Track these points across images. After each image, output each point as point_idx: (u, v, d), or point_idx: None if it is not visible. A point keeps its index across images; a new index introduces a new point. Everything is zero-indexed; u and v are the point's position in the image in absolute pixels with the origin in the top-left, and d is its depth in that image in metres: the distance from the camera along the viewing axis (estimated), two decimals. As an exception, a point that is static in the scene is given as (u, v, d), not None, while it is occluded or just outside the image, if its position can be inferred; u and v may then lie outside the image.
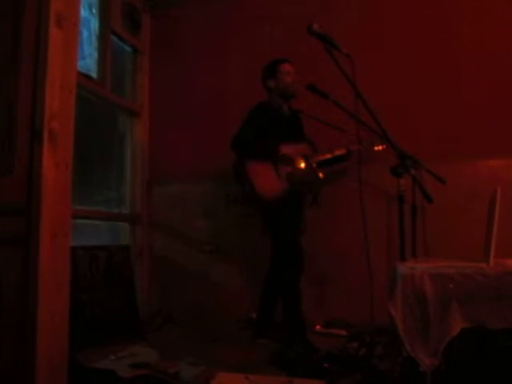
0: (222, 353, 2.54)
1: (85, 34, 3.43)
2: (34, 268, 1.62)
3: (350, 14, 3.46)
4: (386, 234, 3.15)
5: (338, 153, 2.98)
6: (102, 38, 3.53)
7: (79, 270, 2.80)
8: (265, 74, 2.97)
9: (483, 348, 1.58)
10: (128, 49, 3.95)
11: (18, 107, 1.69)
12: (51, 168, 1.68)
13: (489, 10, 3.20)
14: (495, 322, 1.55)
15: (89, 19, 3.48)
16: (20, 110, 1.69)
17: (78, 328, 2.01)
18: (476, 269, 1.62)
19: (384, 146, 2.93)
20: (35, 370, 1.59)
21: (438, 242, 2.94)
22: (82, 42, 3.37)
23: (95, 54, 3.49)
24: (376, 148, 3.01)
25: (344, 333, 2.92)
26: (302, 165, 2.88)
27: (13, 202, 1.66)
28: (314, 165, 2.91)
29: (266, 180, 2.78)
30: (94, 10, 3.52)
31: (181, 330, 3.19)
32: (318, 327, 3.08)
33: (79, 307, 2.64)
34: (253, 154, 2.81)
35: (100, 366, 2.24)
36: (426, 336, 1.60)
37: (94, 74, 3.42)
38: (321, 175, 2.89)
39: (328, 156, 2.97)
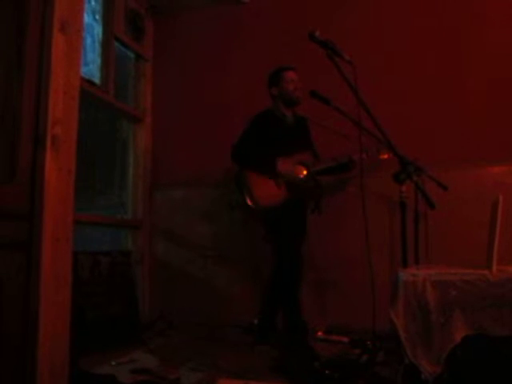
0: (223, 359, 2.53)
1: (88, 40, 3.45)
2: (36, 273, 1.62)
3: (350, 19, 3.47)
4: (389, 241, 3.14)
5: (339, 161, 2.96)
6: (105, 44, 3.55)
7: (81, 275, 2.80)
8: (269, 82, 2.99)
9: (486, 355, 1.57)
10: (131, 55, 3.97)
11: (21, 113, 1.70)
12: (54, 173, 1.68)
13: (492, 14, 3.20)
14: (498, 329, 1.55)
15: (92, 25, 3.51)
16: (23, 115, 1.70)
17: (79, 333, 2.00)
18: (478, 275, 1.61)
19: (390, 155, 2.86)
20: (36, 374, 1.59)
21: (441, 248, 2.93)
22: (86, 48, 3.40)
23: (98, 60, 3.51)
24: (382, 156, 2.98)
25: (346, 339, 2.90)
26: (304, 172, 2.89)
27: (15, 207, 1.67)
28: (315, 173, 2.91)
29: (265, 189, 2.80)
30: (97, 17, 3.55)
31: (182, 335, 3.18)
32: (319, 334, 3.06)
33: (80, 312, 2.63)
34: (250, 167, 2.84)
35: (101, 372, 2.24)
36: (428, 343, 1.59)
37: (97, 80, 3.44)
38: (321, 184, 2.89)
39: (329, 164, 2.96)
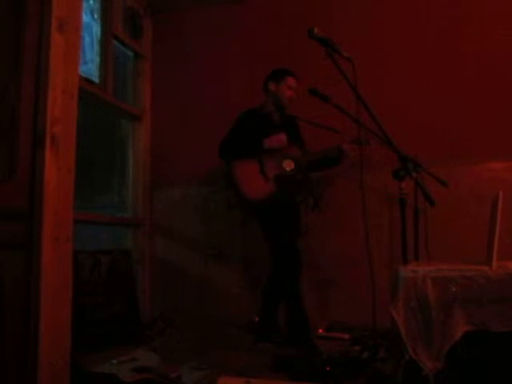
0: (224, 357, 2.54)
1: (86, 39, 3.45)
2: (36, 272, 1.62)
3: (350, 18, 3.47)
4: (388, 237, 3.14)
5: (328, 153, 2.93)
6: (104, 42, 3.54)
7: (81, 274, 2.80)
8: (270, 76, 2.98)
9: (486, 351, 1.57)
10: (130, 53, 3.97)
11: (20, 112, 1.70)
12: (53, 172, 1.68)
13: (492, 11, 3.20)
14: (498, 325, 1.55)
15: (90, 24, 3.50)
16: (22, 114, 1.70)
17: (80, 332, 2.01)
18: (479, 272, 1.61)
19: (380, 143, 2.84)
20: (37, 373, 1.59)
21: (441, 245, 2.93)
22: (84, 47, 3.39)
23: (97, 59, 3.50)
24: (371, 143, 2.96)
25: (346, 336, 2.91)
26: (291, 166, 2.87)
27: (15, 206, 1.67)
28: (303, 166, 2.90)
29: (253, 183, 2.80)
30: (95, 15, 3.54)
31: (182, 333, 3.19)
32: (320, 331, 3.07)
33: (81, 311, 2.64)
34: (238, 155, 2.83)
35: (102, 371, 2.24)
36: (428, 339, 1.59)
37: (95, 79, 3.44)
38: (310, 177, 2.87)
39: (317, 156, 2.95)
